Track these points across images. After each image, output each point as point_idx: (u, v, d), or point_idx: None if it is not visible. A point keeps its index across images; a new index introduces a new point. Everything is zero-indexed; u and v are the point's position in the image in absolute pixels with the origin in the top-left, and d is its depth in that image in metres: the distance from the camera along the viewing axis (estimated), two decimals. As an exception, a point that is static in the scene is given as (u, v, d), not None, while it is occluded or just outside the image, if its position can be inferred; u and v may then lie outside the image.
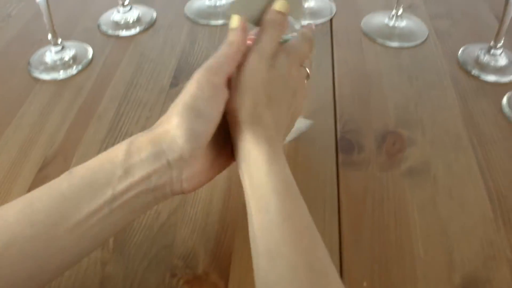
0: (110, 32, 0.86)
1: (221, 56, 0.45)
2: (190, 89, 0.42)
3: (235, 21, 0.47)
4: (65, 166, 0.61)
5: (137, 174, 0.41)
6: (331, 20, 0.88)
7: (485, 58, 0.77)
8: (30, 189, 0.57)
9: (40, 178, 0.59)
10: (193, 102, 0.41)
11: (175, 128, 0.41)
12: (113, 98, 0.72)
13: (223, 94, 0.44)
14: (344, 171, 0.60)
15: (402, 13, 0.85)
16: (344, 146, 0.63)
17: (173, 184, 0.43)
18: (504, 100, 0.70)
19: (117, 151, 0.42)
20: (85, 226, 0.40)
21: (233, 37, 0.46)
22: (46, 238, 0.39)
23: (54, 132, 0.66)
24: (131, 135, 0.63)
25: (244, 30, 0.47)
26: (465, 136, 0.65)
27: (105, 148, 0.63)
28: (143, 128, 0.66)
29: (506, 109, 0.69)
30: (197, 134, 0.41)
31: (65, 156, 0.63)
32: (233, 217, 0.55)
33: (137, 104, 0.71)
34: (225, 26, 0.87)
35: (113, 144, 0.63)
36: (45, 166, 0.61)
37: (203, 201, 0.56)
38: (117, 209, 0.41)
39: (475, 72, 0.75)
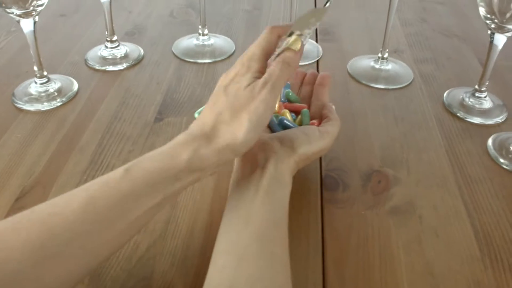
0: (97, 67, 0.86)
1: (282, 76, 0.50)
2: (260, 104, 0.48)
3: (298, 44, 0.51)
4: (44, 197, 0.59)
5: (196, 176, 0.47)
6: (317, 62, 0.88)
7: (470, 101, 0.77)
8: (5, 217, 0.55)
9: (17, 208, 0.58)
10: (262, 118, 0.48)
11: (245, 133, 0.47)
12: (96, 131, 0.71)
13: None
14: (328, 209, 0.59)
15: (387, 57, 0.86)
16: (329, 184, 0.63)
17: None
18: (490, 141, 0.70)
19: (178, 160, 0.46)
20: (142, 220, 0.45)
21: (293, 60, 0.51)
22: (105, 233, 0.43)
23: (34, 163, 0.65)
24: (112, 168, 0.64)
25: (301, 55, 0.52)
26: (451, 176, 0.65)
27: (86, 180, 0.62)
28: (125, 161, 0.65)
29: (491, 150, 0.69)
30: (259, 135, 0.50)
31: (44, 186, 0.61)
32: (214, 251, 0.53)
33: (120, 137, 0.70)
34: (212, 64, 0.87)
35: (93, 177, 0.62)
36: (22, 196, 0.60)
37: (184, 233, 0.55)
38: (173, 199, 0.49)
39: (460, 114, 0.76)
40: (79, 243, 0.41)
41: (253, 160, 0.52)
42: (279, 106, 0.63)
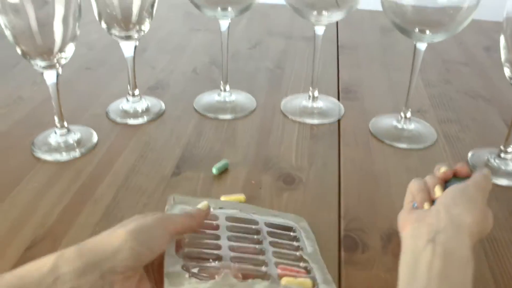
0: (118, 120, 0.86)
1: (183, 218, 0.50)
2: (145, 219, 0.47)
3: (205, 206, 0.54)
4: (54, 247, 0.58)
5: (66, 285, 0.41)
6: (339, 120, 0.87)
7: (496, 162, 0.76)
8: (15, 267, 0.54)
9: (27, 258, 0.56)
10: (145, 228, 0.45)
11: (122, 241, 0.43)
12: (113, 183, 0.70)
13: (166, 240, 0.47)
14: (347, 270, 0.57)
15: (410, 117, 0.84)
16: (348, 245, 0.61)
17: None
18: (516, 204, 0.68)
19: (46, 261, 0.42)
20: None
21: (198, 216, 0.52)
22: None
23: (47, 213, 0.64)
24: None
25: (206, 215, 0.53)
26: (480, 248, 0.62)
27: (97, 232, 0.60)
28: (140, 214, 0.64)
29: (518, 213, 0.67)
30: (139, 256, 0.43)
31: (54, 237, 0.60)
32: None
33: (136, 190, 0.69)
34: (232, 120, 0.87)
35: (106, 229, 0.61)
36: (32, 246, 0.58)
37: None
38: None
39: (485, 176, 0.74)
40: None
41: (417, 233, 0.50)
42: None
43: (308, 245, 0.57)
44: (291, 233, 0.59)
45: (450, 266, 0.45)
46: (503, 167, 0.75)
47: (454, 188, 0.54)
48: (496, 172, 0.74)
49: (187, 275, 0.47)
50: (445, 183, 0.58)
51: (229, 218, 0.59)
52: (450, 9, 0.71)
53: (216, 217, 0.58)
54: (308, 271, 0.52)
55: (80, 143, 0.78)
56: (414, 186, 0.58)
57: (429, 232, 0.48)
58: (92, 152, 0.77)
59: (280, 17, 1.37)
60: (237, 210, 0.61)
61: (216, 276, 0.47)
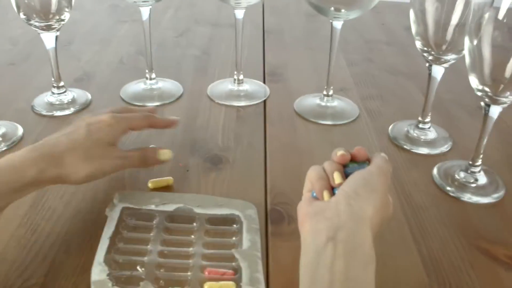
0: (44, 112, 0.85)
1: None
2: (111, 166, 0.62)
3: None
4: (-21, 240, 0.57)
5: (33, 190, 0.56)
6: (264, 101, 0.89)
7: (415, 133, 0.79)
8: None
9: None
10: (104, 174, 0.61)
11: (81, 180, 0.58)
12: (39, 174, 0.69)
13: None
14: (274, 242, 0.59)
15: (333, 95, 0.87)
16: (274, 218, 0.62)
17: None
18: (435, 170, 0.72)
19: (25, 175, 0.54)
20: None
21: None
22: None
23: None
24: (54, 210, 0.62)
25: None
26: (397, 204, 0.65)
27: (26, 224, 0.60)
28: (68, 203, 0.64)
29: (437, 178, 0.70)
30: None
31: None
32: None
33: (64, 180, 0.68)
34: (160, 106, 0.87)
35: (34, 220, 0.61)
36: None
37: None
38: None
39: (406, 146, 0.77)
40: None
41: (316, 230, 0.47)
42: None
43: (246, 239, 0.57)
44: (233, 226, 0.60)
45: (353, 266, 0.43)
46: (422, 137, 0.79)
47: (356, 176, 0.50)
48: (416, 142, 0.78)
49: (110, 284, 0.50)
50: (344, 168, 0.53)
51: (168, 218, 0.60)
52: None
53: (153, 217, 0.60)
54: (236, 270, 0.53)
55: (5, 137, 0.77)
56: (312, 174, 0.53)
57: (328, 228, 0.45)
58: (18, 145, 0.76)
59: (206, 5, 1.37)
60: (182, 204, 0.62)
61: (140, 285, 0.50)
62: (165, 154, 0.66)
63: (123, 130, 0.63)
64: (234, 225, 0.60)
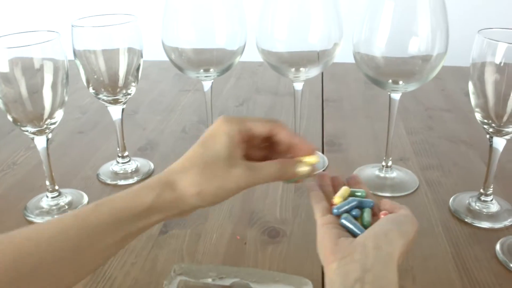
0: (109, 181, 0.88)
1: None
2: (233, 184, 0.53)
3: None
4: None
5: (157, 217, 0.52)
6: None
7: (477, 205, 0.77)
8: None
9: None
10: (227, 194, 0.54)
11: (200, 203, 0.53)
12: (102, 243, 0.72)
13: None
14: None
15: (392, 165, 0.87)
16: None
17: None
18: (498, 245, 0.69)
19: (143, 201, 0.51)
20: (107, 252, 0.51)
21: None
22: (71, 261, 0.49)
23: (38, 275, 0.65)
24: (114, 280, 0.64)
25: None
26: (458, 282, 0.63)
27: (87, 292, 0.62)
28: (127, 273, 0.66)
29: (500, 254, 0.68)
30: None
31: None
32: None
33: (124, 250, 0.70)
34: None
35: (95, 288, 0.63)
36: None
37: None
38: (135, 236, 0.53)
39: (468, 219, 0.75)
40: (47, 268, 0.47)
41: (345, 272, 0.47)
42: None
43: None
44: None
45: None
46: (484, 210, 0.76)
47: (388, 218, 0.51)
48: (478, 215, 0.76)
49: None
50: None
51: None
52: (419, 59, 0.74)
53: None
54: None
55: (71, 206, 0.80)
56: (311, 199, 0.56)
57: (357, 270, 0.45)
58: (83, 213, 0.79)
59: (267, 74, 1.41)
60: (238, 278, 0.62)
61: None
62: (310, 161, 0.56)
63: (242, 136, 0.54)
64: None
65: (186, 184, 0.52)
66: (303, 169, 0.55)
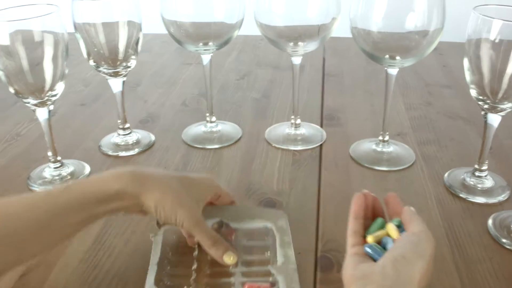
0: (110, 152, 0.90)
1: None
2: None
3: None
4: (45, 275, 0.62)
5: (118, 205, 0.58)
6: (321, 146, 0.91)
7: (471, 180, 0.78)
8: None
9: (20, 284, 0.61)
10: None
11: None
12: (102, 213, 0.73)
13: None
14: (322, 288, 0.60)
15: (389, 140, 0.88)
16: (324, 264, 0.63)
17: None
18: (490, 220, 0.70)
19: (109, 189, 0.57)
20: (69, 230, 0.57)
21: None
22: (36, 235, 0.54)
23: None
24: (114, 248, 0.66)
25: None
26: (449, 256, 0.64)
27: (87, 259, 0.64)
28: (128, 241, 0.67)
29: (492, 229, 0.69)
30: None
31: (47, 264, 0.63)
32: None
33: (124, 219, 0.71)
34: (219, 149, 0.90)
35: (95, 257, 0.64)
36: (27, 273, 0.62)
37: None
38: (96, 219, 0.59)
39: (462, 194, 0.76)
40: (14, 239, 0.52)
41: None
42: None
43: (280, 255, 0.61)
44: (266, 240, 0.64)
45: None
46: (479, 186, 0.77)
47: (403, 239, 0.51)
48: (472, 190, 0.77)
49: None
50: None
51: None
52: (416, 34, 0.75)
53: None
54: (273, 284, 0.57)
55: (73, 176, 0.82)
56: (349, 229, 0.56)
57: None
58: (84, 184, 0.81)
59: (268, 48, 1.40)
60: (219, 218, 0.65)
61: None
62: (230, 259, 0.59)
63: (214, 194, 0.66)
64: (266, 238, 0.64)
65: (148, 198, 0.59)
66: (226, 259, 0.59)
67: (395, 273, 0.47)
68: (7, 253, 0.52)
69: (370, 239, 0.53)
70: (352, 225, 0.55)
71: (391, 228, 0.54)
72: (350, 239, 0.54)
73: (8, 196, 0.55)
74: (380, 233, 0.54)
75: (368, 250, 0.52)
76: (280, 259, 0.60)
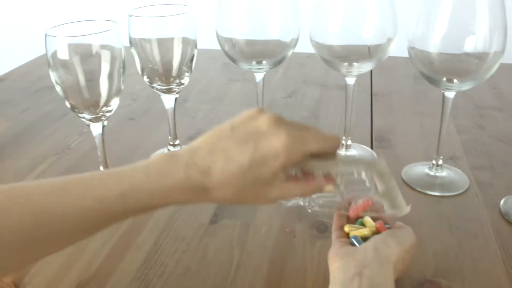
0: (159, 168, 0.90)
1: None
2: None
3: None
4: (98, 292, 0.62)
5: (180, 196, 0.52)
6: (372, 167, 0.89)
7: (529, 209, 0.76)
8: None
9: (72, 302, 0.60)
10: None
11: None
12: (154, 229, 0.74)
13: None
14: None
15: (442, 164, 0.86)
16: None
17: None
18: (549, 253, 0.68)
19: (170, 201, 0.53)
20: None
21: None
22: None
23: (92, 258, 0.68)
24: (166, 267, 0.66)
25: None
26: (507, 284, 0.62)
27: (139, 278, 0.64)
28: (179, 261, 0.67)
29: (552, 262, 0.67)
30: None
31: (98, 282, 0.64)
32: None
33: (175, 237, 0.72)
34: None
35: (147, 275, 0.64)
36: (78, 290, 0.62)
37: None
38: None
39: (519, 223, 0.74)
40: (59, 238, 0.50)
41: (345, 267, 0.53)
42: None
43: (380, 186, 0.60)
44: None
45: None
46: (537, 214, 0.75)
47: (389, 231, 0.59)
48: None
49: None
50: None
51: None
52: (476, 57, 0.73)
53: None
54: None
55: (123, 191, 0.82)
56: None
57: (356, 266, 0.52)
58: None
59: (315, 66, 1.40)
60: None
61: None
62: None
63: (297, 159, 0.52)
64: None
65: (217, 196, 0.52)
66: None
67: (374, 252, 0.54)
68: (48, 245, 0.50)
69: (346, 228, 0.61)
70: (338, 216, 0.64)
71: (367, 220, 0.62)
72: (336, 232, 0.62)
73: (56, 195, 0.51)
74: (358, 226, 0.62)
75: (353, 240, 0.59)
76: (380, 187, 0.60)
